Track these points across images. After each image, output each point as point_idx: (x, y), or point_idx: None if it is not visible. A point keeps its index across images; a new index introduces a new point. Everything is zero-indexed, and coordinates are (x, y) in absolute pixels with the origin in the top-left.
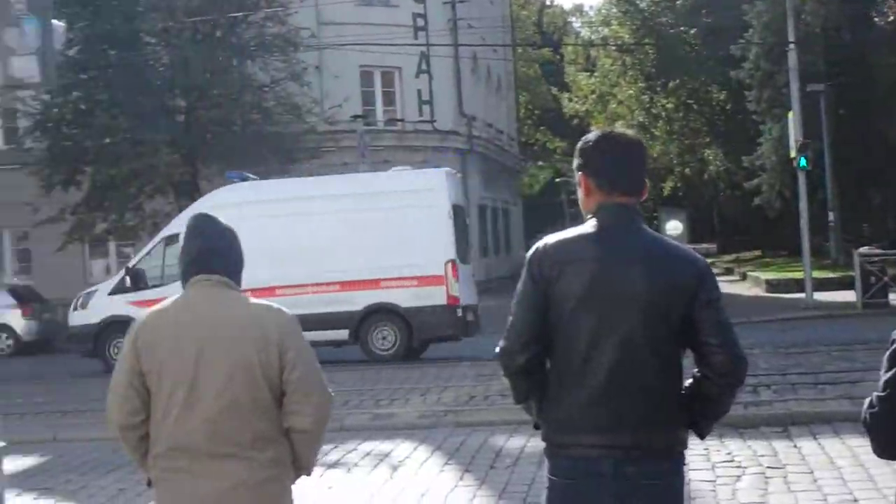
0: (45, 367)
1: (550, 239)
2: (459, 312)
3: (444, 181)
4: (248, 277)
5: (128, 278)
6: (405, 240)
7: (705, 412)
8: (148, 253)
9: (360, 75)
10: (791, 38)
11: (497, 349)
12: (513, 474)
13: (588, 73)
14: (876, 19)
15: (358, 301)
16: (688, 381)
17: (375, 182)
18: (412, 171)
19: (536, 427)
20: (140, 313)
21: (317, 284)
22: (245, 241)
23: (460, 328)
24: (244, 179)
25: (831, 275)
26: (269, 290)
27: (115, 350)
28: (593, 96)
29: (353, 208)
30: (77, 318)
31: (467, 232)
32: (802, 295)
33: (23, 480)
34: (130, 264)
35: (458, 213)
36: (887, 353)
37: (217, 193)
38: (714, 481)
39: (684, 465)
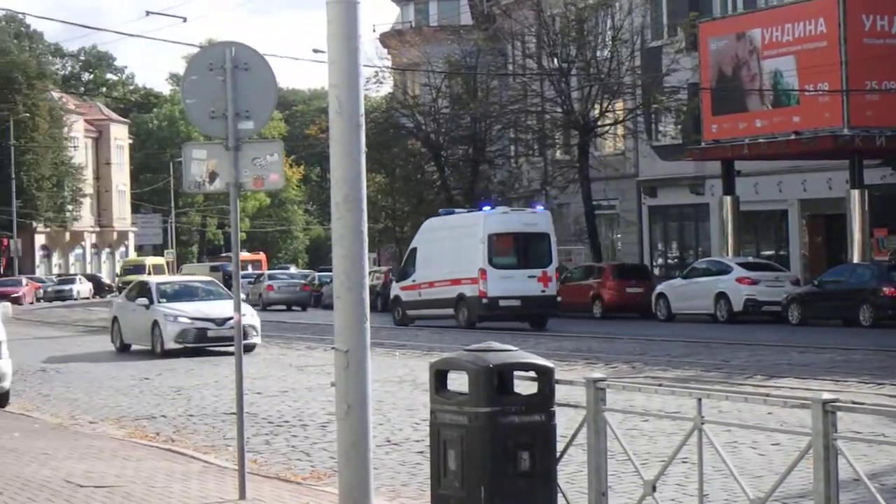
0: None
1: None
2: (485, 300)
3: (482, 219)
4: (425, 274)
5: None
6: (466, 255)
7: None
8: (405, 258)
9: None
10: None
11: None
12: None
13: None
14: None
15: (454, 292)
16: None
17: (458, 219)
18: (469, 212)
19: None
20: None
21: (444, 280)
22: (424, 252)
23: (485, 312)
24: (449, 213)
25: None
26: (430, 284)
27: (397, 314)
28: None
29: (451, 236)
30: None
31: (522, 250)
32: None
33: None
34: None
35: (512, 238)
36: None
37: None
38: None
39: None
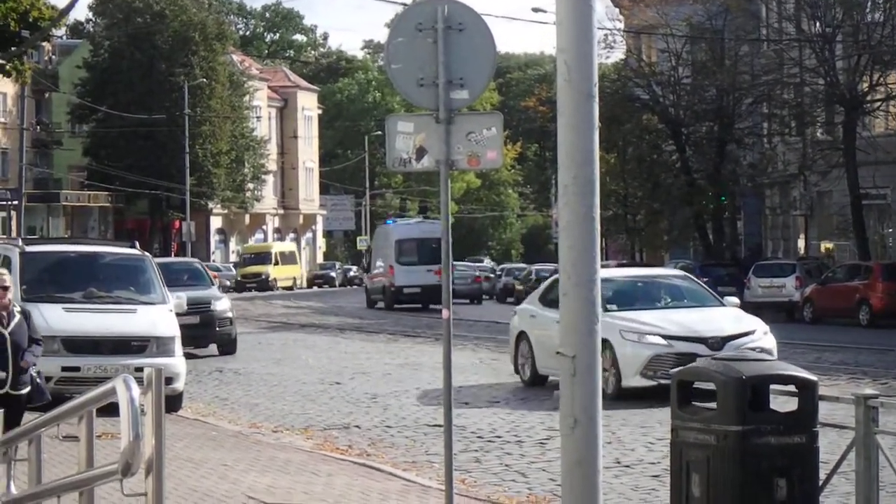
0: None
1: None
2: (393, 289)
3: (392, 229)
4: (372, 270)
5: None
6: (386, 255)
7: None
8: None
9: None
10: None
11: None
12: None
13: None
14: None
15: (381, 283)
16: None
17: (390, 228)
18: (390, 224)
19: None
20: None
21: (378, 274)
22: (374, 252)
23: (392, 299)
24: (394, 223)
25: None
26: (375, 277)
27: (367, 298)
28: None
29: (383, 242)
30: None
31: (422, 251)
32: None
33: None
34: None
35: (414, 243)
36: None
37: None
38: None
39: None
